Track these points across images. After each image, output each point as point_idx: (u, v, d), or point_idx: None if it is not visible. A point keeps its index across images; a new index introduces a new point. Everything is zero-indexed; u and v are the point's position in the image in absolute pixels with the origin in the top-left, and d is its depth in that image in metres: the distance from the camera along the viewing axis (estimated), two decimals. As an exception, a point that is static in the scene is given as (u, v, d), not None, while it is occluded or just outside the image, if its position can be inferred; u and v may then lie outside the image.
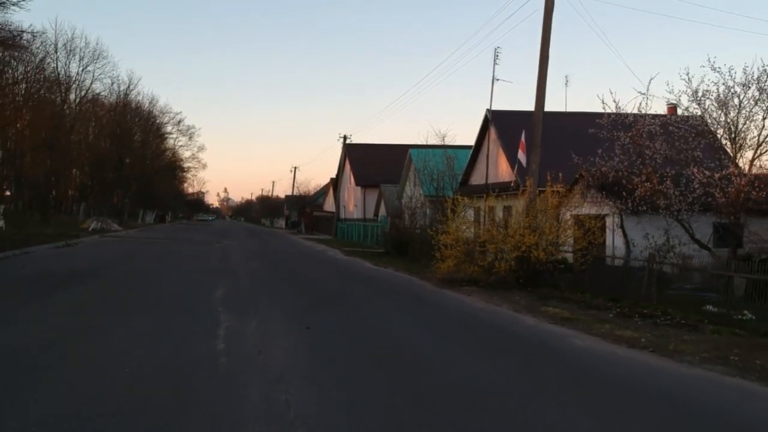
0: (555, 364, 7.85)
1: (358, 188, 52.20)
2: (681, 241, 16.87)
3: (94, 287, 14.32)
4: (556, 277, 17.11)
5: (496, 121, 27.77)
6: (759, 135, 17.17)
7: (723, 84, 16.69)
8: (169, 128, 61.86)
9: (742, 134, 17.24)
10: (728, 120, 17.19)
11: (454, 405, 5.88)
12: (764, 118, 17.02)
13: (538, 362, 7.93)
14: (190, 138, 64.30)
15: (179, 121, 61.93)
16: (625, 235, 19.19)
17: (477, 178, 30.40)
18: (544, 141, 19.75)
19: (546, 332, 9.93)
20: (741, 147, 17.30)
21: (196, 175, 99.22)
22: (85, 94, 50.74)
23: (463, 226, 19.66)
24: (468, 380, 6.86)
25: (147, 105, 59.04)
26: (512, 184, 23.88)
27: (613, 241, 19.62)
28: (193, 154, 66.64)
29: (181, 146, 65.29)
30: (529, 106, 19.90)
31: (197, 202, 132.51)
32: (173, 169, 69.10)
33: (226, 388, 6.13)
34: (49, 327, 9.22)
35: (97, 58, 47.91)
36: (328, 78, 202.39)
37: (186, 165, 67.99)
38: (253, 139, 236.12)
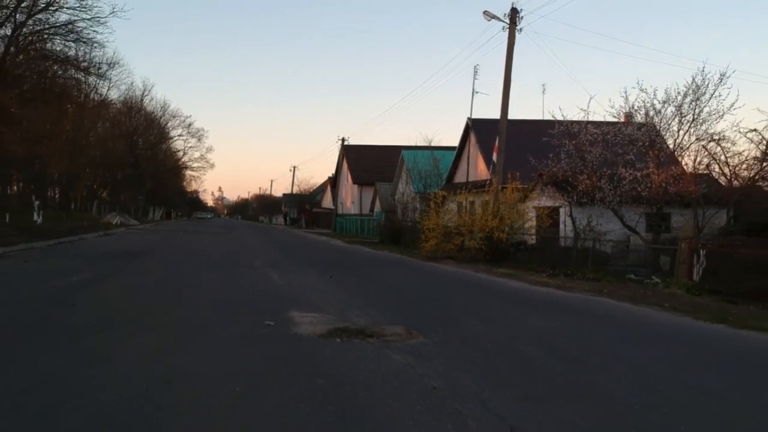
0: (489, 290, 12.56)
1: (355, 186, 56.60)
2: (612, 227, 21.53)
3: (160, 258, 18.85)
4: (515, 254, 21.79)
5: (476, 128, 32.46)
6: (674, 143, 21.94)
7: (648, 102, 21.56)
8: (179, 131, 66.42)
9: (661, 142, 22.00)
10: (651, 130, 21.94)
11: (423, 303, 10.54)
12: (678, 130, 21.84)
13: (479, 290, 12.64)
14: (199, 140, 68.81)
15: (189, 124, 66.54)
16: (573, 222, 23.87)
17: (460, 177, 35.08)
18: (514, 145, 24.41)
19: (491, 280, 14.67)
20: (660, 151, 22.02)
21: (204, 174, 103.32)
22: (102, 99, 54.80)
23: (446, 216, 24.34)
24: (432, 296, 11.55)
25: (159, 110, 63.45)
26: (488, 182, 28.53)
27: (565, 227, 24.28)
28: (201, 155, 71.28)
29: (190, 147, 69.89)
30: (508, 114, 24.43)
31: (195, 201, 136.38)
32: (180, 168, 73.58)
33: (295, 294, 10.76)
34: (152, 275, 13.73)
35: (114, 66, 51.93)
36: (326, 80, 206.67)
37: (195, 165, 72.54)
38: (248, 139, 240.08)
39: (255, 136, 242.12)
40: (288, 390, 4.99)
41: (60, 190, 50.51)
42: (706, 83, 20.84)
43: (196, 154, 71.50)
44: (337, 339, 7.08)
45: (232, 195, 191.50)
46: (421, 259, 21.53)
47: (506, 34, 22.56)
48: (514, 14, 22.45)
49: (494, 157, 25.88)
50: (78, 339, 6.65)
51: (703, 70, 20.79)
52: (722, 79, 20.76)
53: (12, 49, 17.37)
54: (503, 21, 22.48)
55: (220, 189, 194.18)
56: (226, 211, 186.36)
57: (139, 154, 58.50)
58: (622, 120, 26.17)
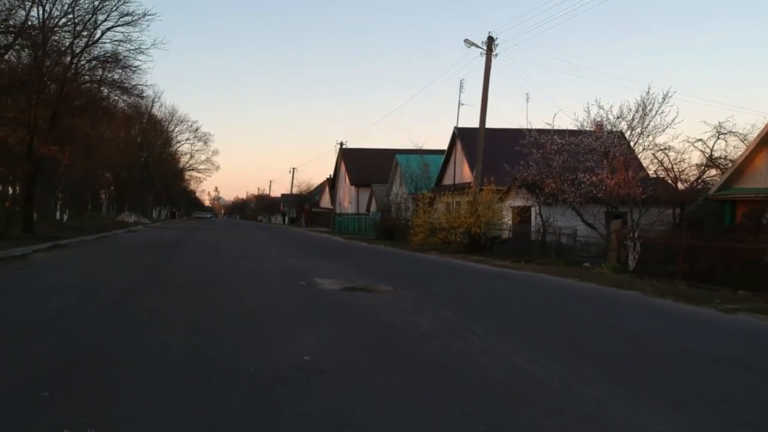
0: (460, 270, 16.48)
1: (353, 187, 60.39)
2: (575, 223, 25.41)
3: (194, 249, 22.61)
4: (491, 247, 25.70)
5: (461, 136, 36.37)
6: (626, 151, 25.85)
7: (605, 117, 25.60)
8: (186, 135, 70.43)
9: (615, 151, 25.91)
10: (607, 141, 25.85)
11: (407, 276, 14.41)
12: (629, 141, 25.78)
13: (451, 269, 16.54)
14: (205, 143, 72.97)
15: (196, 129, 70.65)
16: (542, 219, 27.78)
17: (448, 179, 38.99)
18: (492, 153, 28.28)
19: (464, 264, 18.60)
20: (614, 159, 25.93)
21: (210, 176, 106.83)
22: (115, 105, 58.41)
23: (434, 214, 28.24)
24: (415, 272, 15.42)
25: (168, 115, 67.16)
26: (470, 185, 32.43)
27: (536, 223, 28.19)
28: (207, 158, 75.50)
29: (197, 150, 73.96)
30: (492, 124, 28.42)
31: (194, 201, 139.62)
32: (187, 170, 77.75)
33: (312, 271, 14.60)
34: (198, 259, 17.52)
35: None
36: (325, 81, 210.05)
37: (201, 167, 76.69)
38: (246, 140, 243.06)
39: (253, 137, 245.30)
40: (324, 310, 8.86)
41: (76, 192, 53.96)
42: (652, 102, 24.95)
43: (203, 157, 75.66)
44: (348, 291, 10.93)
45: (227, 195, 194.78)
46: (410, 251, 25.42)
47: (484, 59, 26.44)
48: (490, 42, 26.33)
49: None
50: (186, 291, 10.49)
51: (648, 92, 24.88)
52: (665, 98, 24.88)
53: (70, 75, 21.17)
54: (481, 48, 26.37)
55: (216, 189, 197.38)
56: (223, 211, 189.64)
57: (149, 157, 62.32)
58: (594, 129, 30.10)
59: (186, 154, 73.81)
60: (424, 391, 4.79)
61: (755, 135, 20.30)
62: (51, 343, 5.98)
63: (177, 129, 69.15)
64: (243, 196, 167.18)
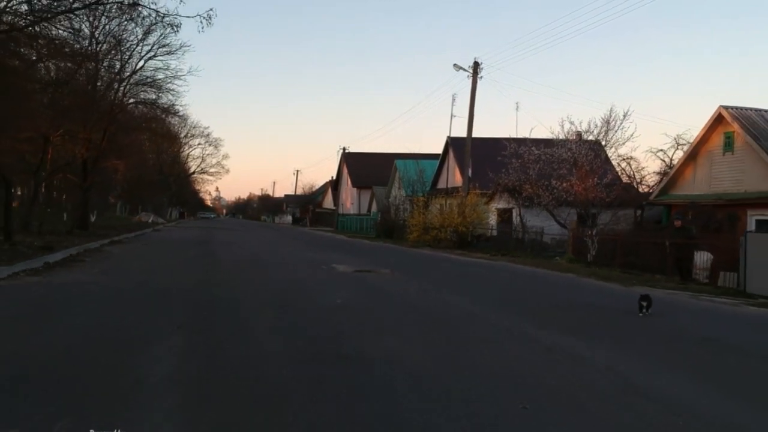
0: (445, 261, 20.57)
1: (354, 189, 64.36)
2: (551, 223, 29.44)
3: (220, 245, 26.60)
4: (476, 244, 29.80)
5: (453, 145, 40.46)
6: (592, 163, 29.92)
7: (575, 131, 29.70)
8: (198, 140, 74.70)
9: (582, 160, 29.96)
10: (576, 152, 29.91)
11: (401, 264, 18.51)
12: (594, 155, 29.81)
13: (438, 260, 20.63)
14: (216, 147, 77.50)
15: (207, 135, 74.96)
16: (522, 220, 31.87)
17: (442, 183, 43.07)
18: (480, 160, 32.35)
19: (449, 257, 22.70)
20: (582, 168, 30.00)
21: (220, 178, 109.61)
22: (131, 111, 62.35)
23: (429, 215, 32.31)
24: (408, 262, 19.53)
25: (180, 123, 71.07)
26: (460, 189, 36.48)
27: (516, 223, 32.26)
28: (218, 161, 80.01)
29: (208, 155, 78.34)
30: (481, 133, 32.47)
31: (199, 201, 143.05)
32: (198, 173, 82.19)
33: (328, 260, 18.64)
34: (232, 253, 21.50)
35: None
36: (327, 88, 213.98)
37: (212, 170, 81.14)
38: (246, 141, 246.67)
39: (255, 139, 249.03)
40: (344, 282, 12.93)
41: (102, 194, 57.61)
42: (615, 119, 29.16)
43: (213, 161, 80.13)
44: (358, 273, 14.99)
45: (227, 195, 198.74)
46: (406, 247, 29.51)
47: (470, 81, 30.52)
48: (476, 66, 30.39)
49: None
50: (242, 272, 14.54)
51: (611, 110, 29.04)
52: (625, 116, 29.11)
53: (119, 98, 25.21)
54: (467, 71, 30.45)
55: (217, 189, 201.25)
56: (225, 211, 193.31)
57: (164, 160, 66.46)
58: (573, 138, 34.01)
59: (198, 158, 78.16)
60: (407, 316, 8.88)
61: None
62: (186, 297, 10.03)
63: (189, 134, 73.33)
64: (244, 196, 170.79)
